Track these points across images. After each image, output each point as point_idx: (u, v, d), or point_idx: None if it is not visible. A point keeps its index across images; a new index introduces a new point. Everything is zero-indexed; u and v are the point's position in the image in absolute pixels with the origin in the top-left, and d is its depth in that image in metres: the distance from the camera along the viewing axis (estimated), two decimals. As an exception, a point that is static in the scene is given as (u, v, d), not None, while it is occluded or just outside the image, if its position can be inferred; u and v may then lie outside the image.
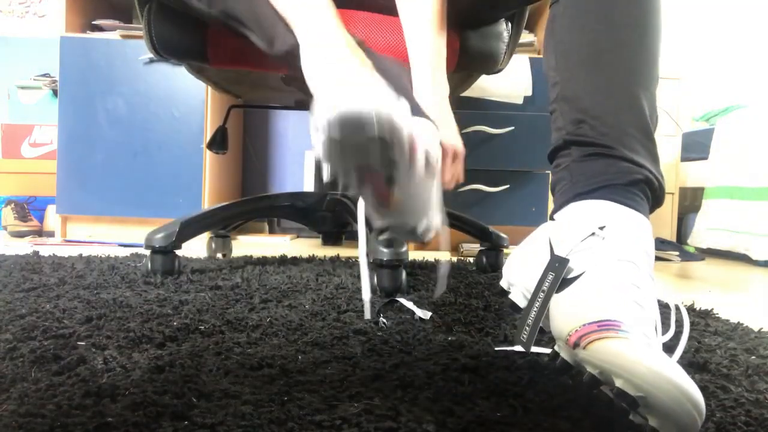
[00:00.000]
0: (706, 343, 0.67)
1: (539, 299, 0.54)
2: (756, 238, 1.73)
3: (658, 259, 1.78)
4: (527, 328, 0.54)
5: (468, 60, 0.95)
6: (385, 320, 0.73)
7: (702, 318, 0.82)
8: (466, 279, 1.08)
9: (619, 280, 0.51)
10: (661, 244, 1.91)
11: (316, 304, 0.82)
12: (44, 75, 2.23)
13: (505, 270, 0.69)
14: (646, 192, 0.61)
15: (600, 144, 0.62)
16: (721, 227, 1.89)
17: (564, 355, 0.50)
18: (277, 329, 0.67)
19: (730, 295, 1.19)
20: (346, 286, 0.96)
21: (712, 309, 0.88)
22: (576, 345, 0.47)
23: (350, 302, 0.83)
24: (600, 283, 0.52)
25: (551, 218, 0.64)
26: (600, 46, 0.65)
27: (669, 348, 0.50)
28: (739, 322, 0.80)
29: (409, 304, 0.81)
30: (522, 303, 0.64)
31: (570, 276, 0.54)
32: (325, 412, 0.43)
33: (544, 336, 0.67)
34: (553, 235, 0.61)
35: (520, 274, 0.66)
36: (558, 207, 0.64)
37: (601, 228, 0.56)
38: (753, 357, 0.63)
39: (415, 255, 1.59)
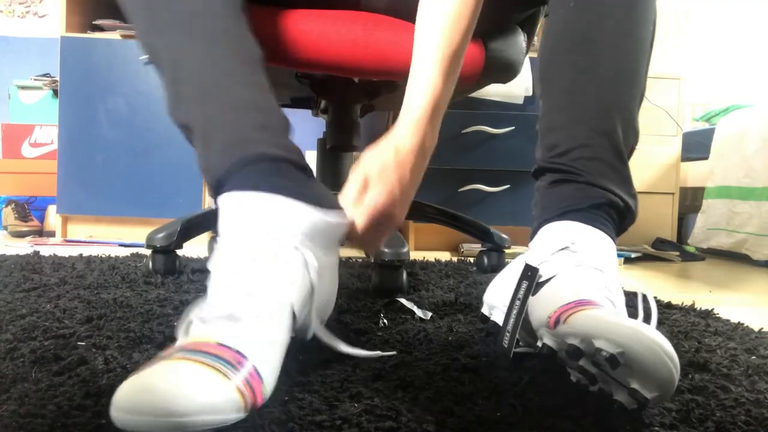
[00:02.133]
0: (706, 343, 0.67)
1: (516, 306, 0.56)
2: (756, 238, 1.73)
3: (658, 259, 1.79)
4: (507, 333, 0.56)
5: (491, 70, 0.94)
6: (385, 320, 0.73)
7: (702, 318, 0.82)
8: (466, 279, 1.08)
9: (588, 279, 0.55)
10: (661, 244, 1.91)
11: (316, 304, 0.82)
12: (44, 75, 2.23)
13: (486, 297, 0.72)
14: (610, 213, 0.63)
15: (569, 171, 0.64)
16: (721, 227, 1.89)
17: (546, 340, 0.52)
18: (277, 329, 0.67)
19: (730, 295, 1.19)
20: (346, 286, 0.96)
21: (713, 309, 0.88)
22: (557, 322, 0.50)
23: (350, 302, 0.83)
24: (571, 279, 0.56)
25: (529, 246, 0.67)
26: (578, 69, 0.65)
27: None
28: (739, 322, 0.80)
29: (409, 304, 0.81)
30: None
31: (542, 280, 0.57)
32: (325, 412, 0.43)
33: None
34: (528, 256, 0.64)
35: (500, 296, 0.68)
36: (531, 235, 0.66)
37: (572, 243, 0.59)
38: (753, 357, 0.63)
39: (415, 255, 1.59)
